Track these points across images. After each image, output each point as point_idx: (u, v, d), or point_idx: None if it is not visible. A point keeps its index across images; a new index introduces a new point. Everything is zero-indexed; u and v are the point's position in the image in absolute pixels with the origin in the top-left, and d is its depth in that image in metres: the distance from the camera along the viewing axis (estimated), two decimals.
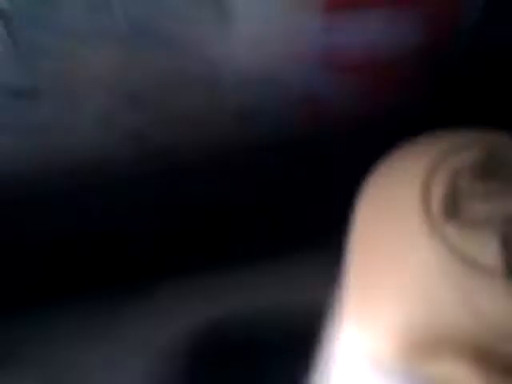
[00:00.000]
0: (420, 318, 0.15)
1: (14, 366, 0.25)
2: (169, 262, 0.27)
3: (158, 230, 0.28)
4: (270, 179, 0.28)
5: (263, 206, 0.28)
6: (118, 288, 0.27)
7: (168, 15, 0.23)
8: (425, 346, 0.15)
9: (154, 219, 0.28)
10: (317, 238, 0.26)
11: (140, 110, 0.27)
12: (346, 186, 0.20)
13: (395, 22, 0.24)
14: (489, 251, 0.16)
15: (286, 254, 0.27)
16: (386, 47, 0.26)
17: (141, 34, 0.24)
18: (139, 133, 0.27)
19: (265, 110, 0.27)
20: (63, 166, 0.27)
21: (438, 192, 0.17)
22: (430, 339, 0.15)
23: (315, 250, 0.25)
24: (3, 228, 0.26)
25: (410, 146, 0.19)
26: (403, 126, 0.21)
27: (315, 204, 0.28)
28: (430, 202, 0.17)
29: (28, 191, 0.26)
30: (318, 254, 0.24)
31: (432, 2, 0.24)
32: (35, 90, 0.28)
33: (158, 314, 0.26)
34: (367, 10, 0.24)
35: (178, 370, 0.25)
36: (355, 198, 0.18)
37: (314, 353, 0.20)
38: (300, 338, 0.21)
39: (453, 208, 0.17)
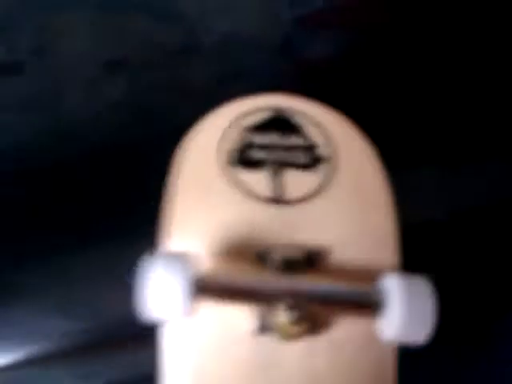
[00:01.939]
0: (214, 237, 0.21)
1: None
2: None
3: None
4: None
5: None
6: None
7: None
8: (220, 255, 0.21)
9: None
10: None
11: (123, 78, 0.29)
12: None
13: None
14: (262, 184, 0.22)
15: None
16: None
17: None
18: (124, 100, 0.28)
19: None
20: (52, 136, 0.27)
21: (230, 144, 0.23)
22: (223, 251, 0.21)
23: None
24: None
25: (223, 108, 0.24)
26: None
27: None
28: (224, 152, 0.23)
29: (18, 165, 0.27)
30: None
31: None
32: (18, 65, 0.29)
33: None
34: None
35: None
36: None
37: None
38: None
39: (240, 156, 0.22)
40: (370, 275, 0.20)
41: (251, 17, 0.31)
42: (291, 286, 0.17)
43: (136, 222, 0.24)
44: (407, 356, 0.19)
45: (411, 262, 0.21)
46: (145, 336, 0.22)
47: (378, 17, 0.31)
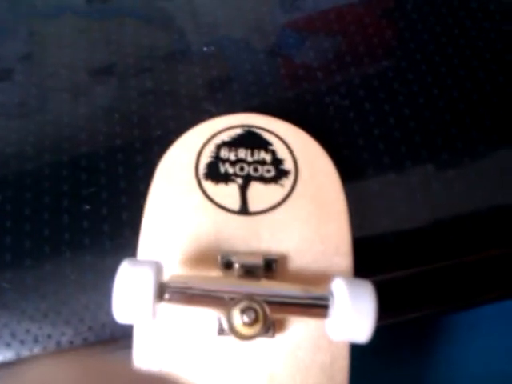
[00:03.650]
0: (186, 243, 0.23)
1: None
2: None
3: None
4: None
5: None
6: None
7: None
8: (189, 261, 0.23)
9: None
10: None
11: (111, 84, 0.29)
12: None
13: None
14: (232, 198, 0.24)
15: None
16: None
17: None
18: (112, 106, 0.29)
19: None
20: (40, 145, 0.28)
21: (205, 160, 0.25)
22: (191, 257, 0.23)
23: None
24: None
25: (198, 126, 0.27)
26: None
27: None
28: (199, 167, 0.25)
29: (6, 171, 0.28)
30: None
31: None
32: (5, 72, 0.29)
33: None
34: None
35: None
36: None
37: None
38: None
39: (213, 170, 0.25)
40: (325, 280, 0.22)
41: (241, 21, 0.32)
42: (247, 290, 0.20)
43: (121, 228, 0.27)
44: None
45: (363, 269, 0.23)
46: (120, 339, 0.24)
47: (368, 23, 0.32)
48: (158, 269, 0.19)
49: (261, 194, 0.24)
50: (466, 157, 0.27)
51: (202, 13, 0.33)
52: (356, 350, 0.22)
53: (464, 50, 0.30)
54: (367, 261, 0.24)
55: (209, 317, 0.21)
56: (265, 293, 0.20)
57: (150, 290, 0.18)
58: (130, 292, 0.18)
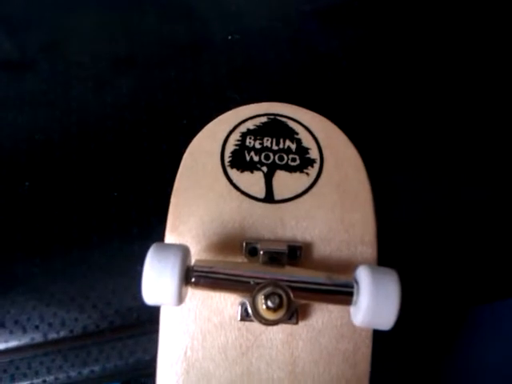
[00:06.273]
0: (211, 229, 0.23)
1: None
2: None
3: None
4: None
5: None
6: None
7: None
8: (214, 247, 0.23)
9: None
10: None
11: (129, 74, 0.30)
12: None
13: None
14: (257, 186, 0.24)
15: None
16: None
17: None
18: (138, 95, 0.29)
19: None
20: (66, 133, 0.28)
21: (230, 148, 0.25)
22: (216, 243, 0.23)
23: None
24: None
25: (224, 115, 0.27)
26: None
27: None
28: (224, 155, 0.25)
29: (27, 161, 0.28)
30: None
31: None
32: (24, 61, 0.30)
33: None
34: None
35: None
36: None
37: None
38: None
39: (238, 159, 0.25)
40: (348, 268, 0.22)
41: (265, 9, 0.32)
42: (272, 276, 0.20)
43: (145, 217, 0.27)
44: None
45: (390, 256, 0.23)
46: (145, 324, 0.24)
47: (394, 16, 0.32)
48: (186, 252, 0.20)
49: (286, 183, 0.24)
50: (491, 148, 0.27)
51: (225, 1, 0.33)
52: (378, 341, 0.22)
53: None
54: (391, 250, 0.24)
55: (232, 302, 0.21)
56: (289, 278, 0.20)
57: (177, 272, 0.19)
58: (157, 273, 0.19)
